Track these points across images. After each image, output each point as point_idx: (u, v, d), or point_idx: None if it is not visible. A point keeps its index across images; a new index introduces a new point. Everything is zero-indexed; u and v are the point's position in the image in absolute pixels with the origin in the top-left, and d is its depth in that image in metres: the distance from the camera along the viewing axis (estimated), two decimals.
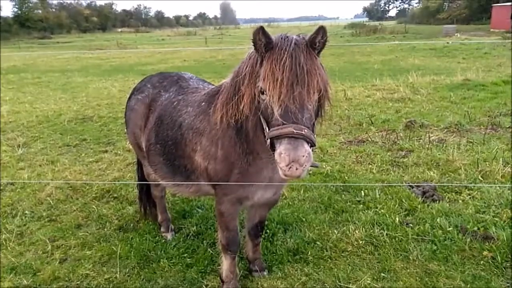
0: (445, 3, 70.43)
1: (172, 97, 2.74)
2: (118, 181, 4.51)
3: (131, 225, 3.59)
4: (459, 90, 9.08)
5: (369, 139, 5.78)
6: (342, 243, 3.10)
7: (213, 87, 2.67)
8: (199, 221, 3.58)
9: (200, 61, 20.52)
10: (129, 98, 3.14)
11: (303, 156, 1.68)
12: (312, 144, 1.75)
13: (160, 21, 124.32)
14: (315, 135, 1.81)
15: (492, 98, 7.95)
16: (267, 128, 1.83)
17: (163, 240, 3.29)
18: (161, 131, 2.65)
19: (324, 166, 4.66)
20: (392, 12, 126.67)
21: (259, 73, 1.84)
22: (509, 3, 40.14)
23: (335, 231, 3.27)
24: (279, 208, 3.63)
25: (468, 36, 29.30)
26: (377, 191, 3.87)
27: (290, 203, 3.81)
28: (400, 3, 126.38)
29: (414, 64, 15.59)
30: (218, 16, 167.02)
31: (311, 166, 1.76)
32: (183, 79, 2.93)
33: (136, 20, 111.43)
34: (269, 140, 1.80)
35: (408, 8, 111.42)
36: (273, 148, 1.79)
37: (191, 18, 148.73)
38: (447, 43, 24.18)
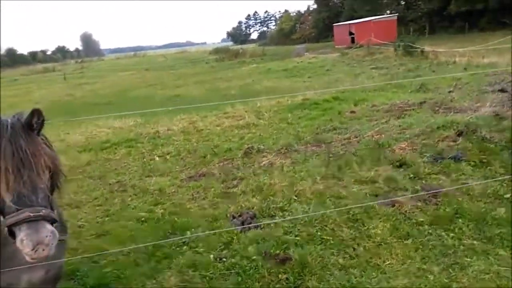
0: (296, 25, 77.76)
1: None
2: None
3: None
4: (297, 110, 10.06)
5: (209, 171, 6.02)
6: None
7: None
8: None
9: (56, 102, 19.03)
10: None
11: (47, 236, 1.68)
12: (53, 221, 1.75)
13: (13, 59, 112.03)
14: (55, 211, 1.83)
15: (321, 115, 8.99)
16: (1, 217, 1.78)
17: None
18: None
19: (157, 211, 4.69)
20: (254, 35, 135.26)
21: None
22: (347, 22, 46.29)
23: (153, 281, 3.30)
24: (97, 269, 3.53)
25: (316, 54, 32.78)
26: (200, 228, 4.04)
27: (114, 259, 3.73)
28: (259, 26, 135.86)
29: (268, 87, 16.81)
30: (80, 48, 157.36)
31: (58, 240, 1.77)
32: None
33: None
34: (6, 228, 1.76)
35: (267, 31, 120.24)
36: (13, 235, 1.75)
37: (49, 52, 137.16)
38: (297, 63, 26.73)
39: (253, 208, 4.44)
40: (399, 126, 6.97)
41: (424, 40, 35.91)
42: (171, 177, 6.03)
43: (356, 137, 6.75)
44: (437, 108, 7.91)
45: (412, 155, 5.38)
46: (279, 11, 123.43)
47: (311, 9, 77.13)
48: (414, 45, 20.95)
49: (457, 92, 9.52)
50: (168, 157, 7.13)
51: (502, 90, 9.10)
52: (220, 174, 5.82)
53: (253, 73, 23.73)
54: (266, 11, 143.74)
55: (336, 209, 4.08)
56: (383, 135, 6.55)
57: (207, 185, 5.41)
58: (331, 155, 5.86)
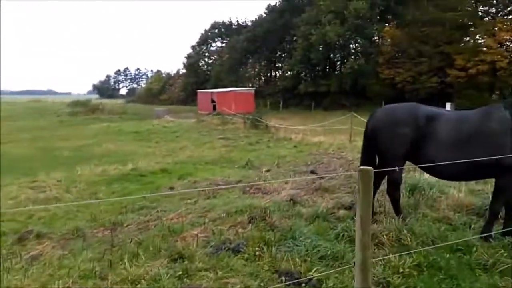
0: (165, 86, 78.53)
1: None
2: None
3: None
4: (118, 182, 9.36)
5: None
6: None
7: None
8: None
9: None
10: None
11: None
12: None
13: None
14: None
15: (138, 190, 8.46)
16: None
17: None
18: None
19: None
20: (123, 91, 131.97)
21: None
22: (210, 90, 48.29)
23: None
24: None
25: (176, 118, 32.89)
26: None
27: None
28: (129, 83, 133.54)
29: (107, 150, 15.77)
30: None
31: None
32: None
33: None
34: None
35: (137, 88, 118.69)
36: None
37: None
38: (153, 125, 26.26)
39: None
40: (204, 208, 6.82)
41: (278, 114, 39.48)
42: None
43: (156, 220, 6.34)
44: (248, 189, 8.11)
45: (197, 244, 5.15)
46: (151, 70, 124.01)
47: (180, 72, 79.21)
48: (260, 119, 22.47)
49: (275, 171, 10.07)
50: None
51: (313, 172, 9.92)
52: None
53: (100, 133, 22.37)
54: (138, 68, 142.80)
55: None
56: (183, 218, 6.28)
57: None
58: (114, 245, 5.28)
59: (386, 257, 4.46)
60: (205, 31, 73.54)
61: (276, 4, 58.80)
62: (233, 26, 69.76)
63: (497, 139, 4.70)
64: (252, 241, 5.22)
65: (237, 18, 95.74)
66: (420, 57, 35.70)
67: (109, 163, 12.06)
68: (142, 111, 46.17)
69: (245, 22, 68.28)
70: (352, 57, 44.78)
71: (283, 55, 56.74)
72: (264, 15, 61.04)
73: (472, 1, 35.80)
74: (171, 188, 8.41)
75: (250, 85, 60.25)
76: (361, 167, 2.78)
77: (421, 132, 5.02)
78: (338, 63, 48.42)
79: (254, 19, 64.53)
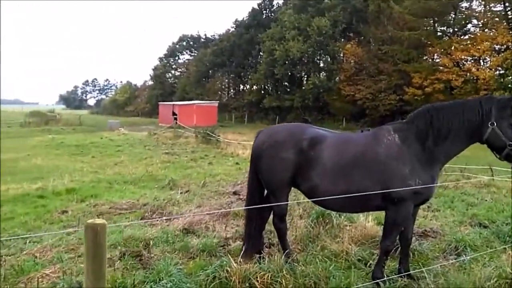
0: (131, 98, 76.83)
1: None
2: None
3: None
4: (13, 203, 8.28)
5: None
6: None
7: None
8: None
9: None
10: None
11: None
12: None
13: None
14: None
15: (25, 214, 7.43)
16: None
17: None
18: None
19: None
20: (92, 101, 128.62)
21: None
22: (172, 103, 47.27)
23: None
24: None
25: (130, 131, 31.62)
26: None
27: None
28: (98, 93, 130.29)
29: (32, 166, 14.54)
30: None
31: None
32: None
33: None
34: None
35: (105, 99, 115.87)
36: None
37: None
38: (101, 138, 25.00)
39: None
40: (80, 239, 5.90)
41: (240, 128, 38.87)
42: None
43: (16, 254, 5.38)
44: (151, 213, 7.24)
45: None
46: (121, 81, 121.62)
47: (147, 84, 77.79)
48: (211, 134, 21.68)
49: (196, 192, 9.24)
50: None
51: (235, 193, 9.17)
52: None
53: (40, 146, 20.98)
54: (107, 79, 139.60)
55: None
56: (47, 253, 5.34)
57: None
58: None
59: None
60: (173, 43, 72.74)
61: (243, 19, 58.73)
62: (201, 40, 69.30)
63: (385, 166, 4.08)
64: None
65: (205, 32, 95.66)
66: (379, 74, 36.04)
67: (21, 180, 10.94)
68: (101, 123, 44.49)
69: (213, 36, 67.99)
70: (316, 73, 44.91)
71: (249, 69, 56.49)
72: (232, 29, 60.90)
73: (431, 21, 36.57)
74: (64, 212, 7.44)
75: (217, 98, 59.57)
76: (89, 221, 1.99)
77: (305, 156, 4.35)
78: (303, 78, 48.49)
79: (221, 33, 64.35)
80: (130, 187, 10.01)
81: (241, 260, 4.71)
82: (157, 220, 6.86)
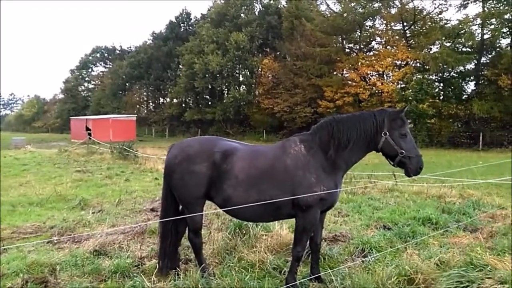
0: (40, 113, 71.04)
1: None
2: None
3: None
4: None
5: None
6: None
7: None
8: None
9: None
10: None
11: None
12: None
13: None
14: None
15: None
16: None
17: None
18: None
19: None
20: None
21: None
22: (84, 117, 44.60)
23: None
24: None
25: (38, 148, 29.18)
26: None
27: None
28: (1, 108, 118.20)
29: None
30: None
31: None
32: None
33: None
34: None
35: (10, 114, 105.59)
36: None
37: None
38: (4, 157, 22.67)
39: None
40: None
41: (161, 142, 37.87)
42: None
43: None
44: (59, 236, 6.73)
45: None
46: (28, 95, 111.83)
47: (57, 98, 72.58)
48: (128, 149, 20.85)
49: (110, 211, 8.80)
50: None
51: (153, 210, 8.91)
52: None
53: None
54: (12, 93, 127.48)
55: None
56: None
57: None
58: None
59: None
60: (86, 55, 68.98)
61: (160, 31, 57.81)
62: (116, 51, 66.64)
63: (293, 175, 4.29)
64: None
65: (120, 43, 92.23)
66: (295, 88, 37.77)
67: None
68: (5, 140, 40.32)
69: (130, 47, 65.84)
70: (236, 86, 45.67)
71: (169, 82, 55.61)
72: (149, 41, 59.56)
73: (339, 38, 39.34)
74: None
75: (135, 112, 57.55)
76: None
77: (218, 170, 4.40)
78: (223, 92, 48.96)
79: (138, 45, 62.60)
80: (36, 209, 9.21)
81: (155, 278, 4.61)
82: (66, 243, 6.43)
